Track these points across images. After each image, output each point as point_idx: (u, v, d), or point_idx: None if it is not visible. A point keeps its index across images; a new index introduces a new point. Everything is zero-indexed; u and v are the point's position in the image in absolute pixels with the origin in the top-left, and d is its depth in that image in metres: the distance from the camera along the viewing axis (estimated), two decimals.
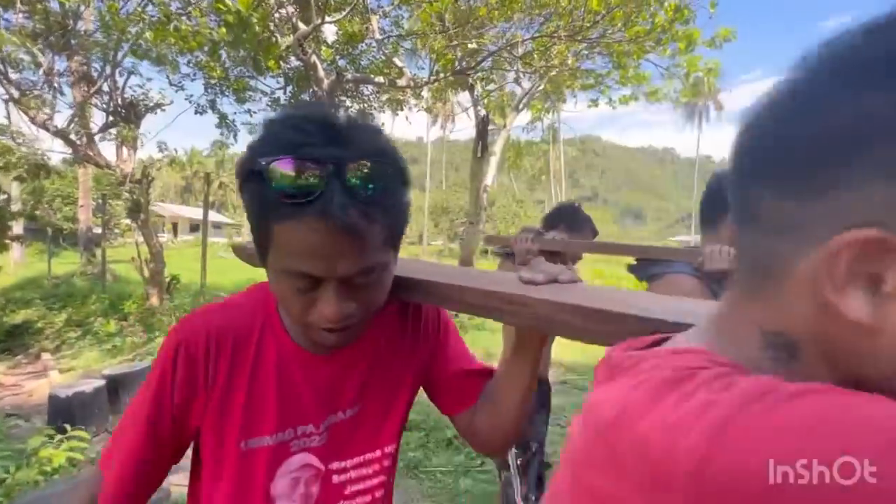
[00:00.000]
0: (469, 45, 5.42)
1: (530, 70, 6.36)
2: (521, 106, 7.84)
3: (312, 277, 0.48)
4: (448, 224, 25.38)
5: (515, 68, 6.44)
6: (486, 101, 7.39)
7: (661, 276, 1.31)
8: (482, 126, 7.12)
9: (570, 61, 6.36)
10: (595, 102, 6.57)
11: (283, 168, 0.45)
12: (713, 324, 0.31)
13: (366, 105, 7.12)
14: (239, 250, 0.86)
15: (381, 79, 5.70)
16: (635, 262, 1.45)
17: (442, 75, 5.72)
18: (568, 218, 1.83)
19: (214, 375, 0.56)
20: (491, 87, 7.40)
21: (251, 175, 0.47)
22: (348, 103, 6.91)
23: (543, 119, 9.38)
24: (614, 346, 0.35)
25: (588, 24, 4.69)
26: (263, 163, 0.45)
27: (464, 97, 7.72)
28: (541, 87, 7.27)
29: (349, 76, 5.65)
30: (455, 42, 5.41)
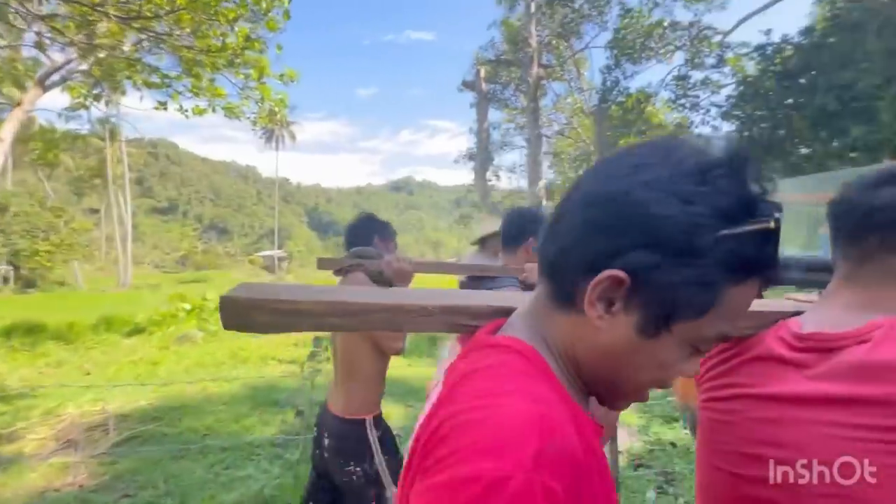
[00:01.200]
0: None
1: (64, 41, 4.83)
2: (49, 82, 5.82)
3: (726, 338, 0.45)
4: None
5: (36, 29, 4.72)
6: None
7: (497, 290, 1.51)
8: None
9: (127, 48, 5.32)
10: (163, 105, 5.81)
11: (776, 224, 0.39)
12: None
13: None
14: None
15: None
16: (465, 280, 1.66)
17: None
18: (380, 230, 1.79)
19: None
20: None
21: (729, 227, 0.38)
22: None
23: (91, 108, 7.36)
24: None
25: (149, 14, 4.10)
26: (774, 217, 0.39)
27: None
28: (82, 67, 5.65)
29: None
30: None
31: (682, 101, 10.14)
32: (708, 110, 9.98)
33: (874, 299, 0.59)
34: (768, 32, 8.04)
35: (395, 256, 1.59)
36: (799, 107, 6.99)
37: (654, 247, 0.38)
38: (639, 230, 0.38)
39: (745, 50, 9.00)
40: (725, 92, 9.85)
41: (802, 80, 7.14)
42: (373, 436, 1.61)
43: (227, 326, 0.52)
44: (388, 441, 1.67)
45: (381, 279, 1.59)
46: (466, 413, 0.36)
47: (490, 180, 13.99)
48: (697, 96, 10.07)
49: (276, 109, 7.90)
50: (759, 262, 0.39)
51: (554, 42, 11.35)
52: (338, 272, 1.65)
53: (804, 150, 7.57)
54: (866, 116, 5.85)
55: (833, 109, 6.26)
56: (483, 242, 3.49)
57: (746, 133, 8.36)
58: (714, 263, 0.38)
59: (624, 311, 0.39)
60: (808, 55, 7.23)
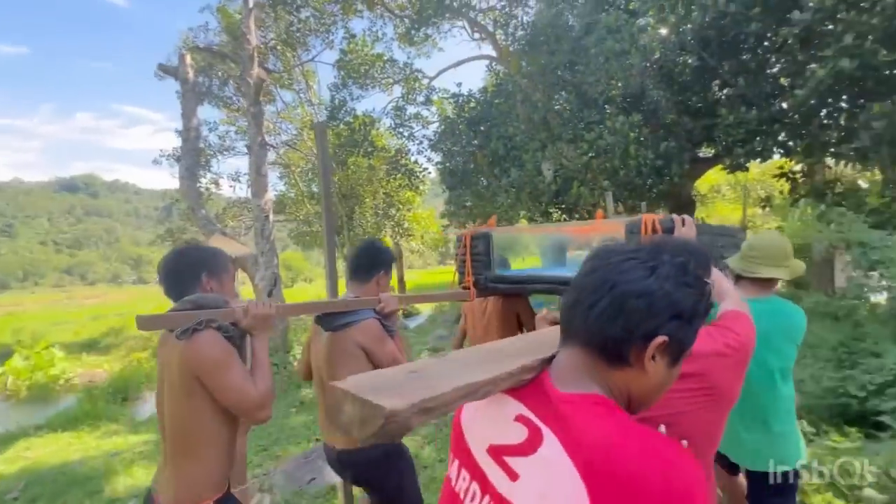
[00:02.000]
0: None
1: None
2: None
3: None
4: None
5: None
6: None
7: (355, 322, 1.61)
8: None
9: None
10: None
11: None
12: None
13: None
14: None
15: None
16: (321, 314, 1.67)
17: None
18: (209, 264, 1.39)
19: None
20: None
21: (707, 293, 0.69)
22: None
23: None
24: None
25: None
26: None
27: None
28: None
29: None
30: None
31: (401, 129, 11.42)
32: (421, 141, 11.58)
33: None
34: (459, 85, 9.99)
35: (254, 302, 1.35)
36: (482, 147, 8.92)
37: (678, 317, 0.64)
38: (670, 309, 0.64)
39: (445, 95, 10.91)
40: (433, 127, 11.69)
41: (483, 128, 9.16)
42: None
43: (382, 440, 0.55)
44: None
45: (233, 332, 1.31)
46: (659, 458, 0.56)
47: (208, 188, 12.04)
48: (412, 127, 11.55)
49: None
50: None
51: (280, 48, 10.76)
52: (182, 333, 1.23)
53: (485, 183, 9.66)
54: (519, 162, 7.94)
55: (502, 154, 8.26)
56: None
57: (448, 164, 10.09)
58: (701, 316, 0.68)
59: (660, 357, 0.65)
60: (485, 109, 9.35)
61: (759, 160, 7.00)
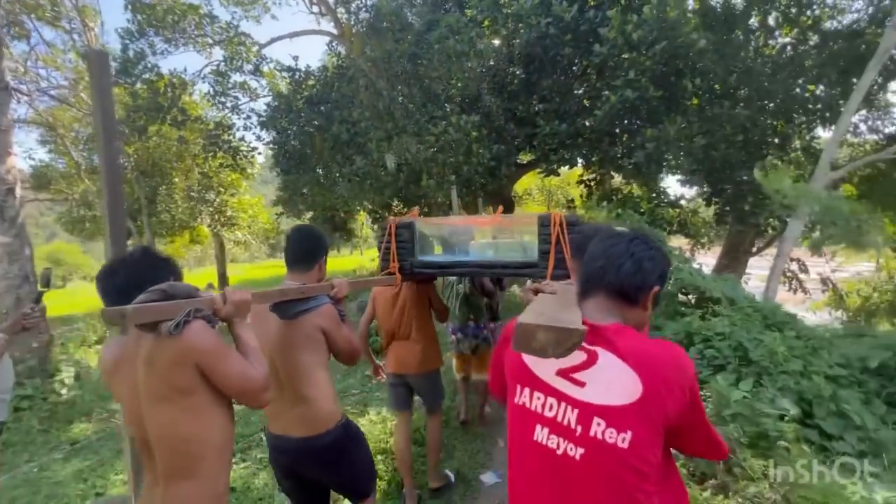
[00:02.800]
0: None
1: None
2: None
3: None
4: None
5: None
6: None
7: (314, 308, 1.67)
8: None
9: None
10: None
11: None
12: None
13: None
14: None
15: None
16: (275, 303, 1.67)
17: None
18: (173, 271, 1.39)
19: None
20: None
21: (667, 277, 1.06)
22: None
23: None
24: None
25: None
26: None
27: None
28: None
29: None
30: None
31: (222, 99, 9.78)
32: (249, 116, 10.14)
33: None
34: (296, 59, 9.08)
35: (230, 289, 1.33)
36: (322, 130, 8.28)
37: (662, 276, 1.03)
38: (660, 269, 1.03)
39: (279, 67, 9.79)
40: (264, 101, 10.36)
41: (323, 109, 8.52)
42: None
43: (567, 353, 0.90)
44: None
45: (213, 321, 1.25)
46: (670, 351, 0.94)
47: None
48: (238, 98, 10.01)
49: None
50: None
51: None
52: (175, 327, 1.13)
53: (321, 171, 9.02)
54: (364, 150, 7.64)
55: (344, 139, 7.81)
56: None
57: (284, 146, 9.10)
58: (668, 277, 1.08)
59: (650, 301, 1.02)
60: (325, 90, 8.70)
61: (567, 167, 8.26)
